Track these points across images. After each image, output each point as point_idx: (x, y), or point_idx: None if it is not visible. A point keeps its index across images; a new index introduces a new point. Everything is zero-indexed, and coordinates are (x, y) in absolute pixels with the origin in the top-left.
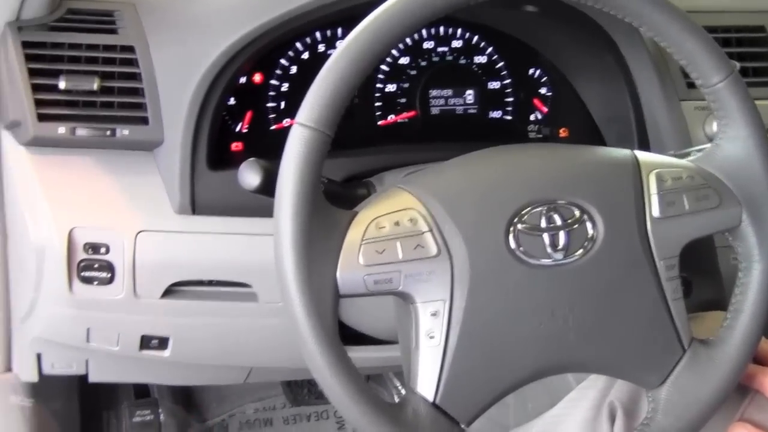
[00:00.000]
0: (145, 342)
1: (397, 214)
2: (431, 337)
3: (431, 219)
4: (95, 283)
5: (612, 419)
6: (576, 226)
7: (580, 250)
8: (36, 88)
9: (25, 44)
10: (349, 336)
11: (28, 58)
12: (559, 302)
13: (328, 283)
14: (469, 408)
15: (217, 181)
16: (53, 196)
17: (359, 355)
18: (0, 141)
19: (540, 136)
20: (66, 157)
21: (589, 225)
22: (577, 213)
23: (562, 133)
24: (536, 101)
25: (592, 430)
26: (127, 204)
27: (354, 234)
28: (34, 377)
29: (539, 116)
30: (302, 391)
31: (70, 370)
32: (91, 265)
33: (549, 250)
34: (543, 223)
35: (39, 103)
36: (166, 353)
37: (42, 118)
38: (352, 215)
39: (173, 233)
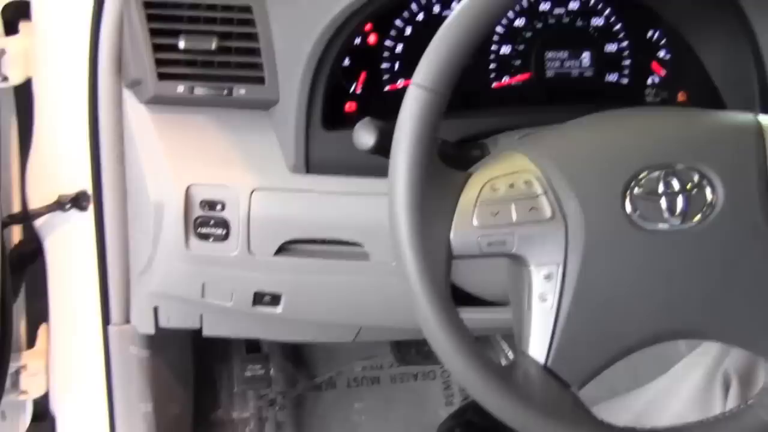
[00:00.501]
0: (258, 298)
1: (511, 176)
2: (544, 300)
3: (546, 181)
4: (211, 239)
5: (726, 388)
6: (695, 191)
7: (699, 216)
8: (157, 48)
9: (147, 4)
10: (459, 297)
11: (150, 18)
12: (675, 268)
13: (442, 245)
14: (581, 371)
15: (331, 141)
16: (172, 154)
17: (470, 316)
18: (122, 100)
19: (657, 99)
20: (184, 115)
21: (708, 190)
22: (696, 178)
23: (681, 97)
24: (654, 64)
25: (705, 399)
26: (242, 162)
27: (468, 195)
28: (150, 330)
29: (657, 80)
30: (410, 350)
31: (185, 323)
32: (207, 222)
33: (666, 215)
34: (660, 188)
35: (159, 63)
36: (278, 310)
37: (162, 77)
38: (467, 176)
39: (287, 192)
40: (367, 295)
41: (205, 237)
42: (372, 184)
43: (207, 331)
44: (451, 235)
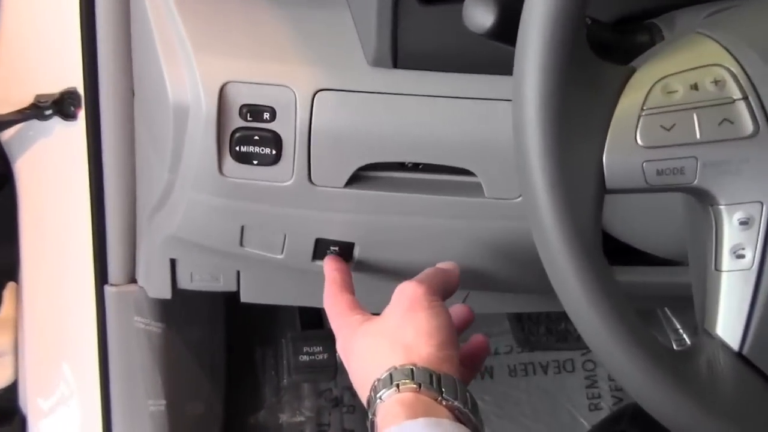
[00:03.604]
0: (321, 249)
1: (695, 73)
2: (739, 257)
3: (747, 81)
4: (255, 162)
5: None
6: None
7: None
8: None
9: None
10: (613, 251)
11: None
12: None
13: (591, 172)
14: None
15: (429, 21)
16: (200, 39)
17: (628, 278)
18: None
19: None
20: None
21: None
22: None
23: None
24: None
25: None
26: (300, 51)
27: (630, 100)
28: (166, 292)
29: None
30: (538, 329)
31: (216, 284)
32: (249, 137)
33: None
34: None
35: None
36: (349, 266)
37: None
38: (628, 73)
39: (365, 94)
40: (479, 247)
41: (246, 158)
42: (489, 84)
43: (246, 297)
44: (605, 159)
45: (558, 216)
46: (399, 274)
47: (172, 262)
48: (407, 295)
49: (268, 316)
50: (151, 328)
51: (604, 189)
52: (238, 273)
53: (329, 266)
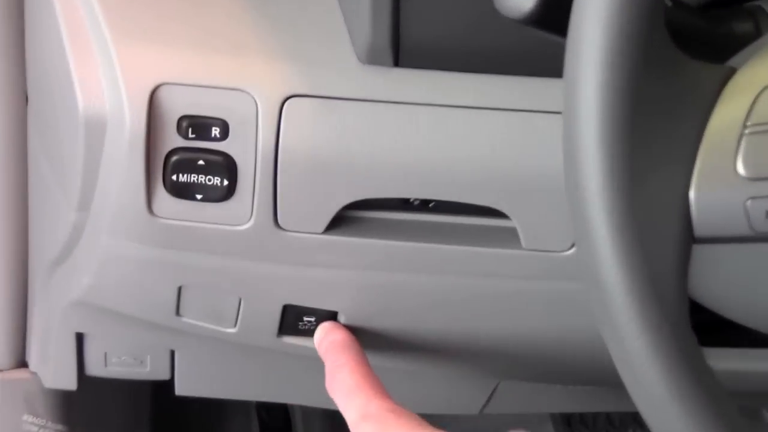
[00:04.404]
0: (290, 320)
1: None
2: None
3: None
4: (198, 196)
5: None
6: None
7: None
8: None
9: None
10: (703, 326)
11: None
12: None
13: (673, 214)
14: None
15: (443, 2)
16: (124, 27)
17: (725, 365)
18: None
19: None
20: None
21: None
22: None
23: None
24: None
25: None
26: (264, 44)
27: (728, 113)
28: (69, 382)
29: None
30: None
31: (141, 370)
32: (191, 162)
33: None
34: None
35: None
36: None
37: None
38: (725, 75)
39: (355, 102)
40: (513, 320)
41: (186, 192)
42: (527, 89)
43: (183, 388)
44: (692, 195)
45: (627, 275)
46: (397, 356)
47: (79, 339)
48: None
49: (213, 416)
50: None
51: (691, 237)
52: (173, 354)
53: (329, 328)
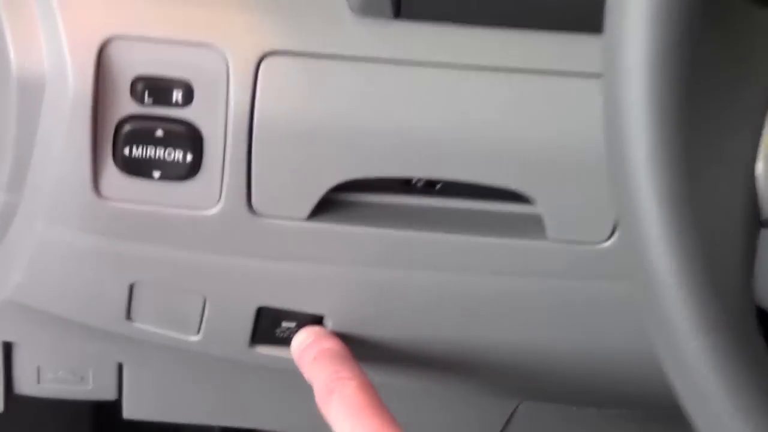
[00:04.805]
0: (266, 326)
1: None
2: None
3: None
4: (156, 174)
5: None
6: None
7: None
8: None
9: None
10: None
11: None
12: None
13: (737, 191)
14: None
15: None
16: None
17: None
18: None
19: None
20: None
21: None
22: None
23: None
24: None
25: None
26: None
27: None
28: None
29: None
30: None
31: (81, 388)
32: (147, 132)
33: None
34: None
35: None
36: None
37: None
38: None
39: (347, 62)
40: (537, 326)
41: (141, 168)
42: (557, 46)
43: (132, 410)
44: (760, 169)
45: (682, 265)
46: (395, 372)
47: (6, 350)
48: None
49: None
50: None
51: (758, 220)
52: (120, 368)
53: (319, 334)
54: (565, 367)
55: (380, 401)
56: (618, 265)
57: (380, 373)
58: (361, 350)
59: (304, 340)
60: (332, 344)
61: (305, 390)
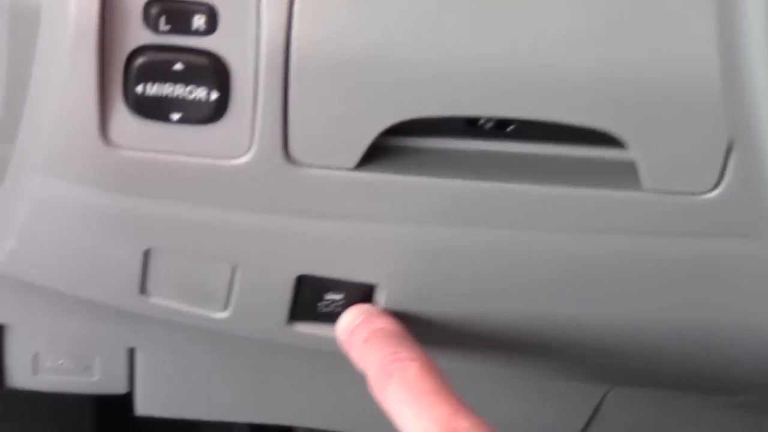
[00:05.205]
0: (307, 297)
1: None
2: None
3: None
4: (174, 116)
5: None
6: None
7: None
8: None
9: None
10: None
11: None
12: None
13: None
14: None
15: None
16: None
17: None
18: None
19: None
20: None
21: None
22: None
23: None
24: None
25: None
26: None
27: None
28: None
29: None
30: None
31: (85, 379)
32: (164, 66)
33: None
34: None
35: None
36: None
37: None
38: None
39: None
40: (637, 291)
41: (157, 109)
42: None
43: (146, 405)
44: None
45: None
46: (460, 353)
47: None
48: None
49: None
50: None
51: None
52: (132, 354)
53: (370, 312)
54: (664, 345)
55: (448, 384)
56: (727, 220)
57: (445, 357)
58: (420, 329)
59: (352, 320)
60: (386, 323)
61: (352, 379)
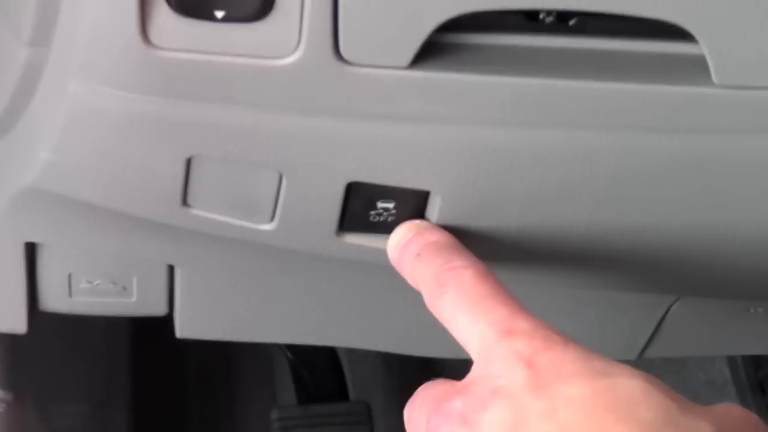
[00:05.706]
0: (357, 206)
1: None
2: None
3: None
4: (218, 14)
5: None
6: None
7: None
8: None
9: None
10: None
11: None
12: None
13: None
14: None
15: None
16: None
17: None
18: None
19: None
20: None
21: None
22: None
23: None
24: None
25: None
26: None
27: None
28: (14, 321)
29: None
30: None
31: (122, 300)
32: None
33: None
34: None
35: None
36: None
37: None
38: None
39: None
40: (708, 194)
41: (199, 7)
42: None
43: (187, 328)
44: None
45: None
46: (523, 265)
47: (30, 253)
48: None
49: (230, 370)
50: None
51: None
52: (171, 272)
53: (420, 226)
54: (740, 252)
55: (504, 289)
56: None
57: (503, 269)
58: (475, 243)
59: (403, 236)
60: (438, 236)
61: (400, 297)
